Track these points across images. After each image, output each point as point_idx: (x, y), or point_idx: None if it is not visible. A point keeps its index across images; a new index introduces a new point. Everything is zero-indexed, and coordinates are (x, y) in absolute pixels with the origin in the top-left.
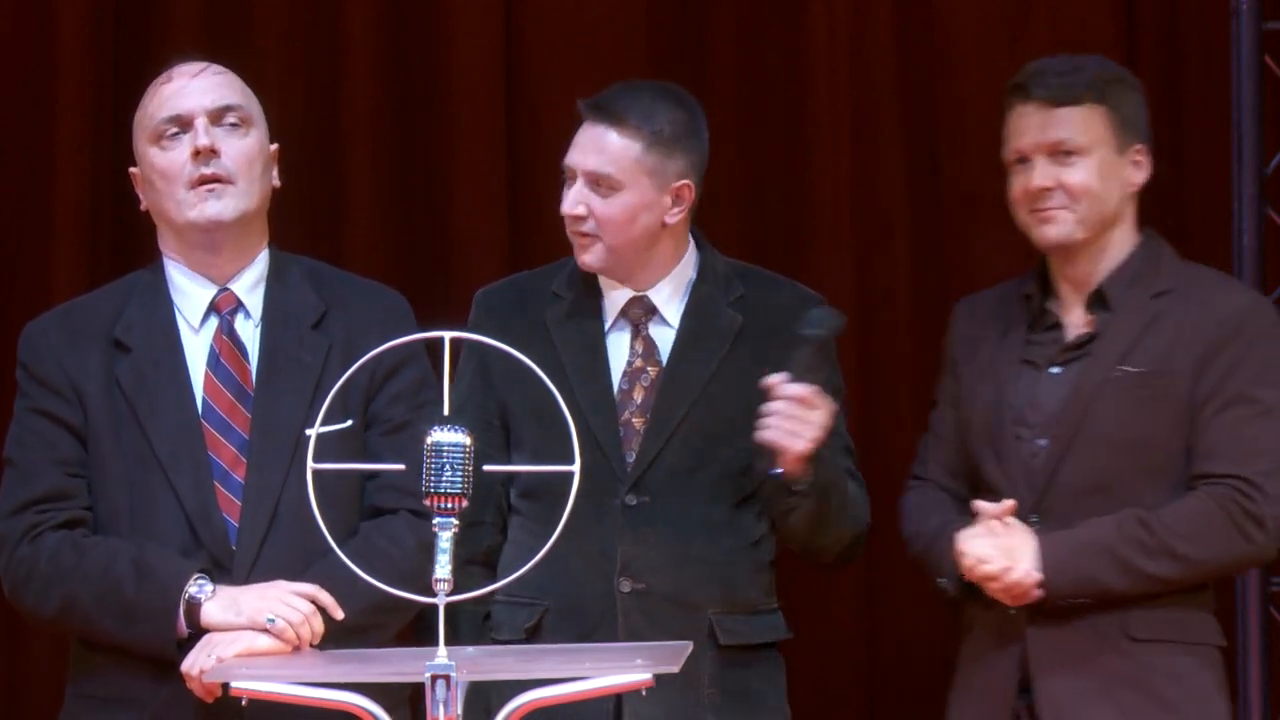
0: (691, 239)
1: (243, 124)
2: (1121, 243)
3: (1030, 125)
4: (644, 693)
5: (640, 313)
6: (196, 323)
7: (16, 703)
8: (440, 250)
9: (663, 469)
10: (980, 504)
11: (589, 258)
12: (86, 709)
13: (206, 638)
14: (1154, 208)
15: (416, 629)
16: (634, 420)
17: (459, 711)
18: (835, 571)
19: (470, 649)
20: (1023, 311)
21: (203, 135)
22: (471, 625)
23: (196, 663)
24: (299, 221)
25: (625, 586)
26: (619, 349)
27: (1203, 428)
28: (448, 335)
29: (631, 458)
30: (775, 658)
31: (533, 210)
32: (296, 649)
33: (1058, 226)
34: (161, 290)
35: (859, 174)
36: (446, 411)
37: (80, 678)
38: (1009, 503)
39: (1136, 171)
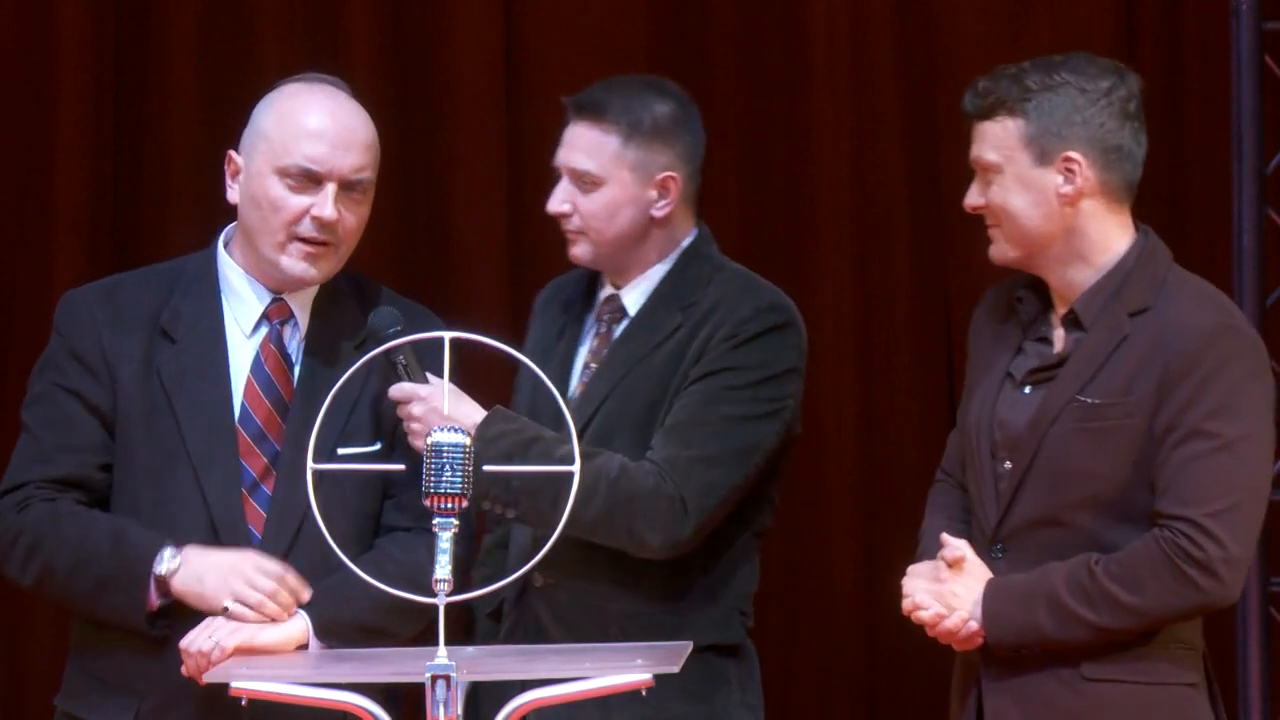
0: (694, 234)
1: (365, 195)
2: (1103, 250)
3: (971, 140)
4: None
5: (609, 310)
6: (248, 328)
7: (17, 702)
8: (440, 251)
9: None
10: (945, 538)
11: (577, 251)
12: (88, 687)
13: (208, 620)
14: (1154, 207)
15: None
16: None
17: (459, 711)
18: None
19: (470, 649)
20: (1019, 314)
21: (329, 208)
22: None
23: (196, 641)
24: None
25: (538, 582)
26: (586, 345)
27: (1161, 462)
28: (448, 335)
29: None
30: (716, 664)
31: (533, 210)
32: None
33: (993, 246)
34: (212, 285)
35: (859, 174)
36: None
37: (85, 654)
38: (960, 552)
39: (1068, 181)
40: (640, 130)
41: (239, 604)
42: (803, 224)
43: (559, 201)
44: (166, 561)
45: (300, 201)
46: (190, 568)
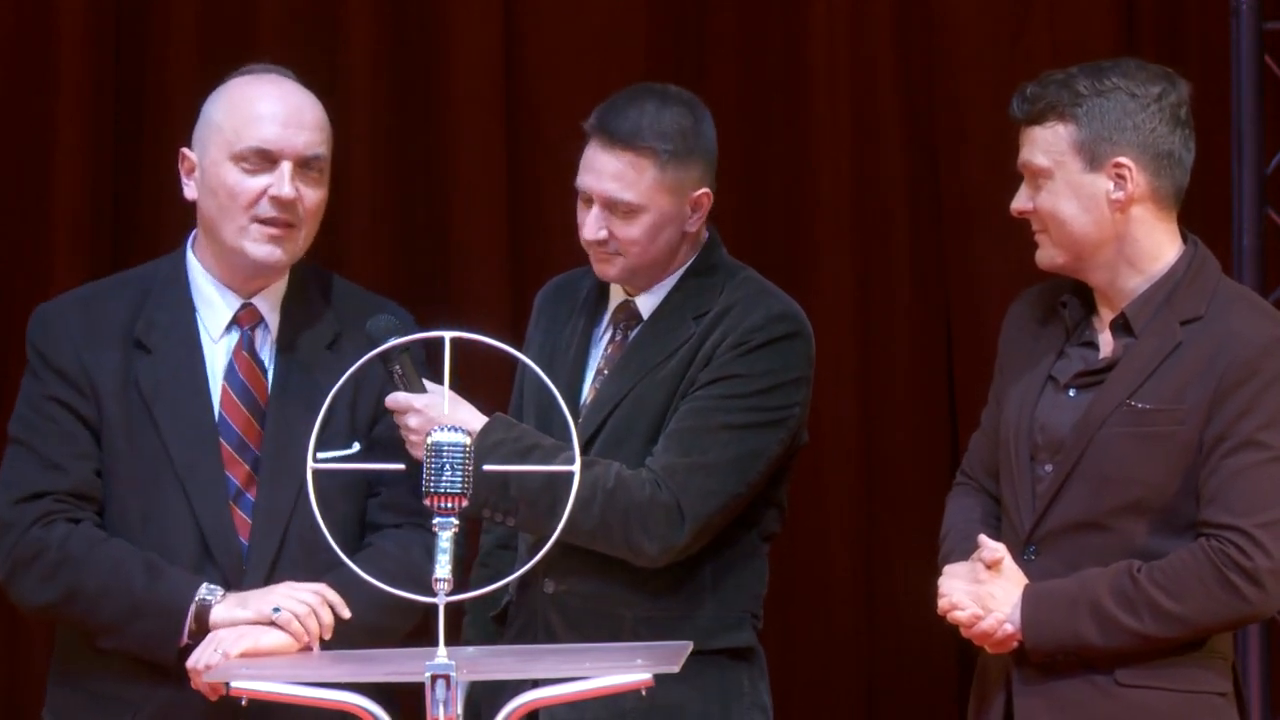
0: (705, 238)
1: (321, 175)
2: (1152, 258)
3: (1020, 145)
4: None
5: (624, 317)
6: (216, 334)
7: (17, 703)
8: (440, 253)
9: None
10: (983, 539)
11: (612, 271)
12: (77, 701)
13: (212, 634)
14: None
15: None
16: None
17: (459, 711)
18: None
19: (470, 649)
20: (1063, 318)
21: (287, 185)
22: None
23: (202, 658)
24: None
25: (549, 588)
26: (600, 351)
27: (1209, 472)
28: (448, 335)
29: None
30: (729, 667)
31: (533, 213)
32: (306, 647)
33: (1040, 251)
34: (183, 291)
35: (859, 174)
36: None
37: (69, 672)
38: (998, 554)
39: (1119, 187)
40: (675, 153)
41: (288, 611)
42: (803, 224)
43: (596, 230)
44: (206, 593)
45: (258, 183)
46: (234, 596)
